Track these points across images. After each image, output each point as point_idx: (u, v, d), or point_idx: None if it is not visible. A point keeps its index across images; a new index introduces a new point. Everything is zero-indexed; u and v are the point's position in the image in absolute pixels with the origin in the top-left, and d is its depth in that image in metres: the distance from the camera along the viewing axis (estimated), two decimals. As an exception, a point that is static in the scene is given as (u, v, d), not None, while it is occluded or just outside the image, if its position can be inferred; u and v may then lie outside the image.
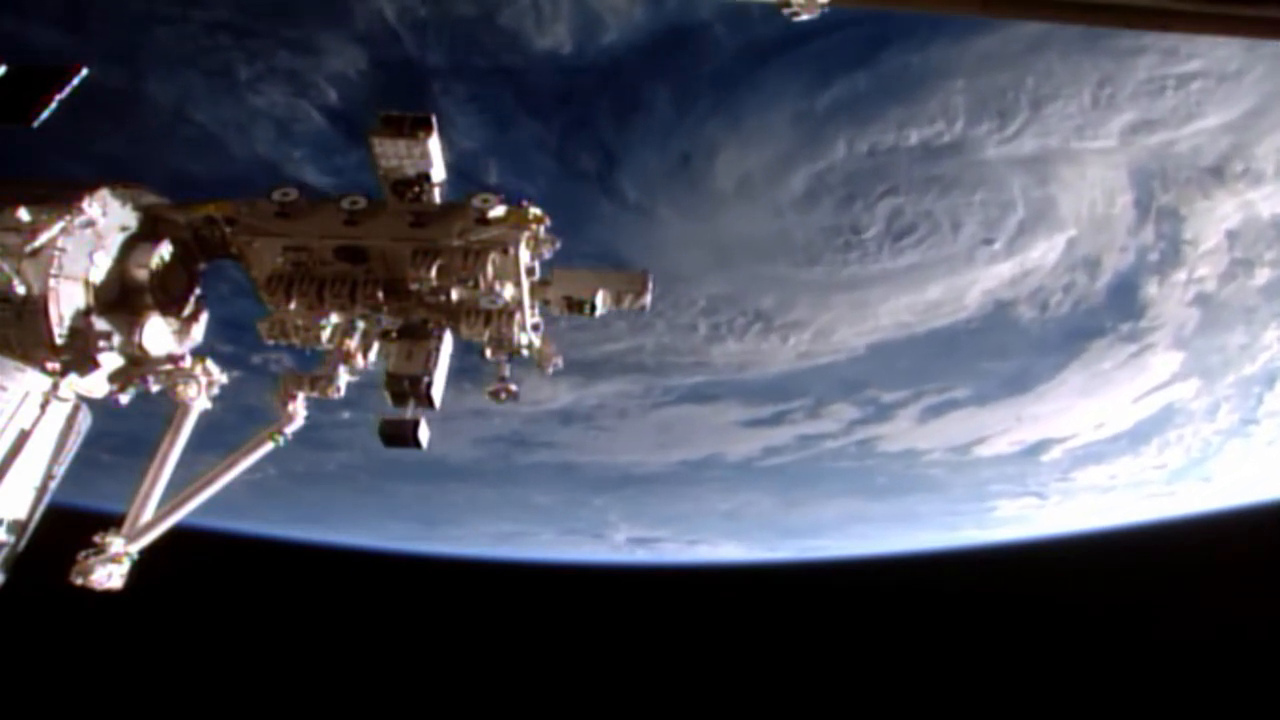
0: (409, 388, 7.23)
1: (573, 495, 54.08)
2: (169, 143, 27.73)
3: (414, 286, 6.96)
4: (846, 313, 38.70)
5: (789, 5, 5.27)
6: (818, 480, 51.36)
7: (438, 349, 7.38)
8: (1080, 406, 42.86)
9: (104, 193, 6.45)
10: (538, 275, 7.28)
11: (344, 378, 7.48)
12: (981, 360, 41.55)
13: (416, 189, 7.00)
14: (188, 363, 7.09)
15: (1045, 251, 35.36)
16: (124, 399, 6.87)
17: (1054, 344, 39.89)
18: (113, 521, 6.88)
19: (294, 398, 7.37)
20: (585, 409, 43.74)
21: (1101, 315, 38.15)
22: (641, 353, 40.47)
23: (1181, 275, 35.84)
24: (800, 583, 56.73)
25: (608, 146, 32.30)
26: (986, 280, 36.73)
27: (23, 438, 6.18)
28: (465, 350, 7.68)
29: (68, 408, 6.50)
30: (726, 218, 35.07)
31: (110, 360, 6.47)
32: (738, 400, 44.56)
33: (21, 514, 6.32)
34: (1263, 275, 35.23)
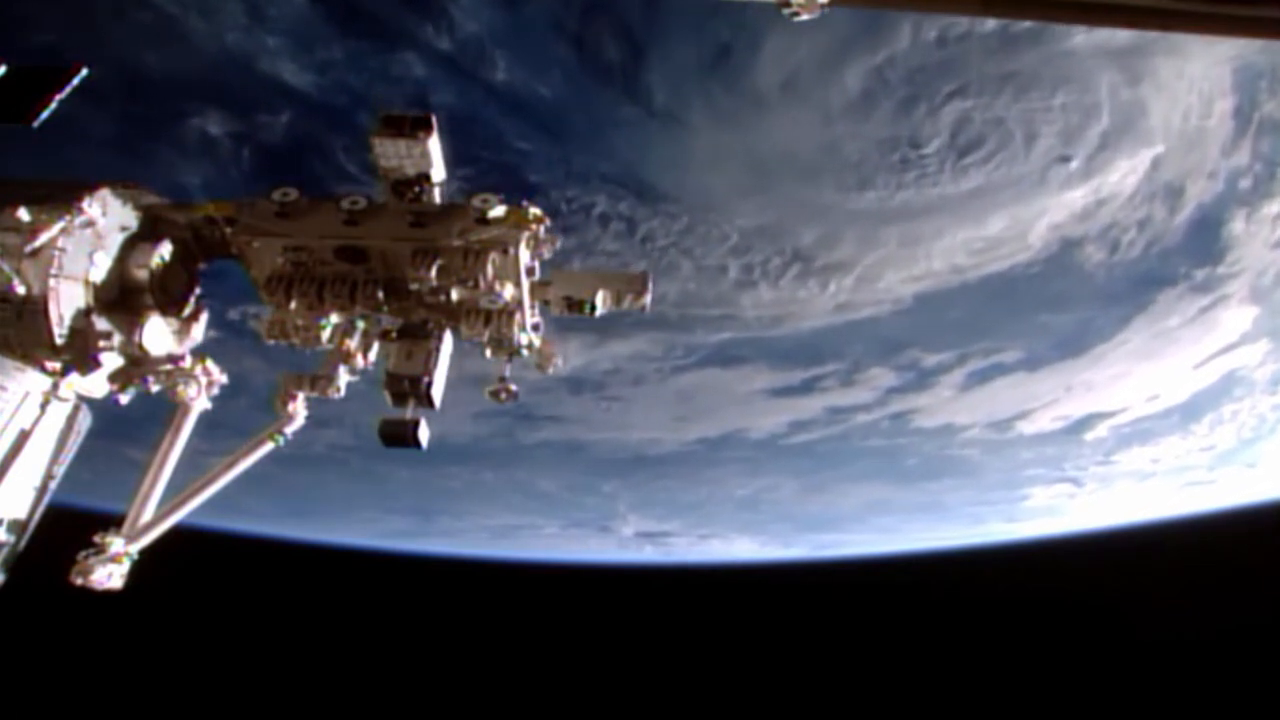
0: (409, 388, 7.24)
1: (580, 480, 49.73)
2: (118, 29, 23.85)
3: (414, 286, 6.97)
4: (895, 252, 33.55)
5: (789, 5, 5.28)
6: (844, 461, 47.06)
7: (438, 349, 7.40)
8: (1136, 373, 38.70)
9: (104, 193, 6.47)
10: (538, 275, 7.29)
11: (344, 378, 7.49)
12: (1038, 313, 36.83)
13: (416, 189, 7.01)
14: (188, 363, 7.09)
15: (1126, 174, 30.68)
16: (124, 399, 6.88)
17: (1119, 294, 35.33)
18: (113, 521, 6.89)
19: (294, 398, 7.38)
20: (597, 375, 39.21)
21: (1176, 259, 33.72)
22: (663, 302, 34.93)
23: (1273, 208, 31.37)
24: (812, 585, 53.98)
25: (634, 32, 27.49)
26: (1056, 211, 31.70)
27: (23, 438, 6.18)
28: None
29: (68, 408, 6.51)
30: (768, 126, 30.29)
31: (110, 360, 6.48)
32: (766, 363, 39.86)
33: (21, 514, 6.33)
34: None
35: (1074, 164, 30.31)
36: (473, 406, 36.88)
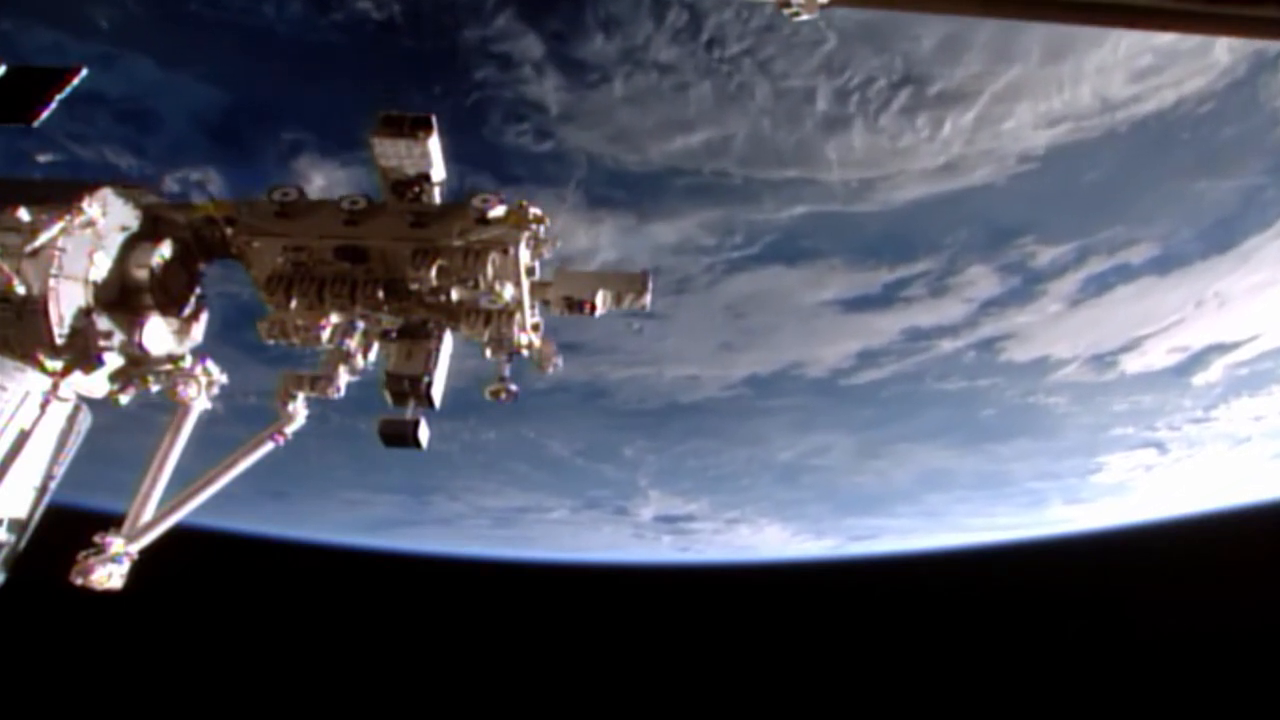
0: (409, 388, 7.27)
1: (598, 439, 42.24)
2: None
3: (414, 286, 6.98)
4: (1034, 72, 25.65)
5: (789, 5, 5.28)
6: (912, 412, 39.85)
7: (438, 349, 7.43)
8: (1283, 282, 31.08)
9: (105, 192, 6.47)
10: (538, 275, 7.30)
11: (344, 378, 7.50)
12: (1196, 178, 28.50)
13: (416, 189, 7.04)
14: (188, 362, 7.10)
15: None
16: (124, 399, 6.89)
17: (1299, 155, 27.39)
18: (113, 521, 6.89)
19: (294, 398, 7.39)
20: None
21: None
22: (726, 154, 27.47)
23: None
24: (834, 588, 49.74)
25: None
26: (1261, 5, 25.84)
27: (23, 438, 6.18)
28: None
29: (68, 408, 6.51)
30: None
31: (111, 360, 6.48)
32: (843, 258, 32.15)
33: (22, 514, 6.33)
34: None
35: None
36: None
